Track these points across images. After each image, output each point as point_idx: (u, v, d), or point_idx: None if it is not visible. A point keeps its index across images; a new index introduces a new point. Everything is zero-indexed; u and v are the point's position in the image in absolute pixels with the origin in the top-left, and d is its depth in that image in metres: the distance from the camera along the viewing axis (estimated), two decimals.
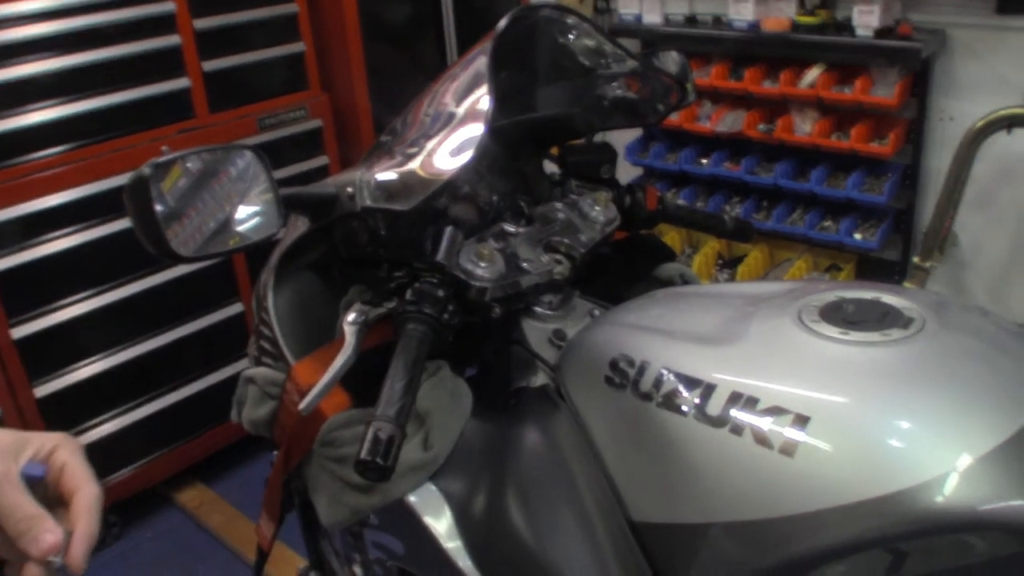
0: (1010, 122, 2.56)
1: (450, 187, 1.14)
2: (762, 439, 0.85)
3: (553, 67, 1.31)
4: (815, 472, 0.82)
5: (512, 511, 1.06)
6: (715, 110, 3.24)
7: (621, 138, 3.44)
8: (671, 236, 3.40)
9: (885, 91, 2.83)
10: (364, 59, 2.99)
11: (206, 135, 2.63)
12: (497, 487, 1.08)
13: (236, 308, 2.85)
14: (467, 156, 1.10)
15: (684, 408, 0.92)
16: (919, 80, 2.86)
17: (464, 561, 1.06)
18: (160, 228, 0.97)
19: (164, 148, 1.07)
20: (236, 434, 2.85)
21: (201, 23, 2.58)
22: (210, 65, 2.62)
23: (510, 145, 1.27)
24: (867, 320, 0.92)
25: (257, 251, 1.13)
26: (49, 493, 0.72)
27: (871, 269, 3.18)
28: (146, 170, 0.96)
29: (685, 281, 1.40)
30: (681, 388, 0.94)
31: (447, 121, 1.17)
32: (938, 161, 2.92)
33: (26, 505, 0.68)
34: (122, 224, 2.48)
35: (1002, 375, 0.86)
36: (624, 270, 1.41)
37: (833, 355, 0.89)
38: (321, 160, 2.98)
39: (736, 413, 0.88)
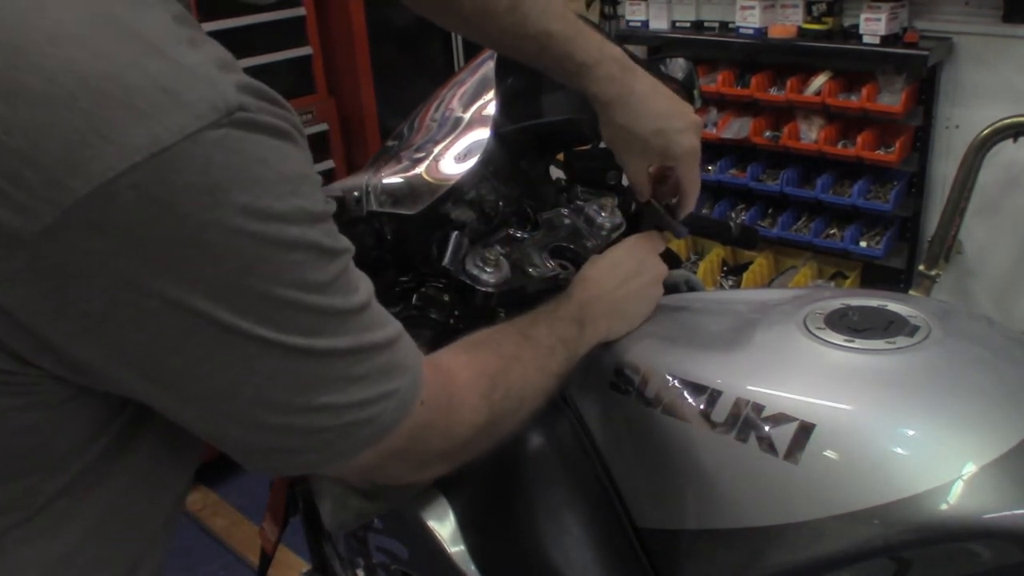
0: (1016, 130, 2.56)
1: (456, 192, 1.14)
2: (767, 446, 0.85)
3: None
4: (820, 479, 0.82)
5: (516, 516, 1.06)
6: (721, 117, 3.24)
7: None
8: (676, 243, 3.39)
9: (891, 99, 2.83)
10: (371, 63, 3.00)
11: None
12: (501, 492, 1.08)
13: None
14: (473, 161, 1.10)
15: (689, 414, 0.92)
16: (925, 88, 2.85)
17: (468, 566, 1.06)
18: None
19: None
20: None
21: (208, 26, 2.58)
22: None
23: (516, 151, 1.27)
24: (873, 328, 0.92)
25: None
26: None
27: (876, 277, 3.17)
28: None
29: (690, 288, 1.40)
30: (686, 394, 0.94)
31: (453, 126, 1.17)
32: (944, 169, 2.92)
33: None
34: None
35: (1007, 383, 0.86)
36: None
37: (838, 362, 0.89)
38: (327, 164, 2.99)
39: (741, 420, 0.88)
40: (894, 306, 0.95)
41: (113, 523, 0.71)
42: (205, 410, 0.65)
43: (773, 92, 3.06)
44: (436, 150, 1.15)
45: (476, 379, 0.85)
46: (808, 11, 2.93)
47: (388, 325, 0.72)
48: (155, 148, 0.54)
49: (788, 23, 2.96)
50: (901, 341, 0.89)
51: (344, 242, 0.67)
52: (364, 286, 0.69)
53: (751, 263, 3.31)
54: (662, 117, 1.06)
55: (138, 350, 0.60)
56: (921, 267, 2.85)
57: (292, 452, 0.69)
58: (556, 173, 1.40)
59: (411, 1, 1.07)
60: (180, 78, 0.56)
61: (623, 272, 1.07)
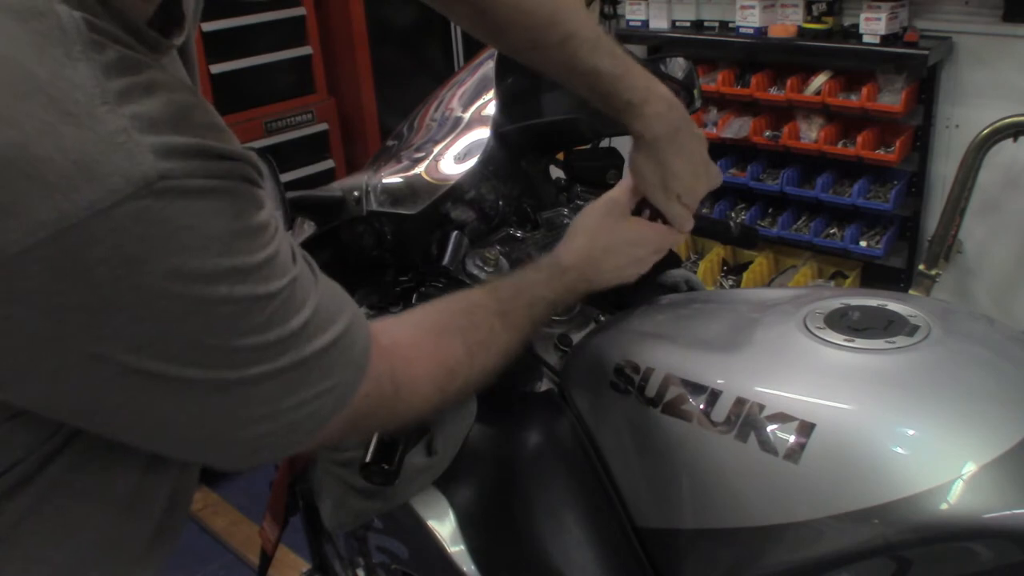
0: (1016, 130, 2.56)
1: (456, 192, 1.15)
2: (767, 445, 0.85)
3: None
4: (820, 479, 0.82)
5: (516, 516, 1.06)
6: (721, 116, 3.24)
7: (627, 144, 3.44)
8: None
9: (891, 98, 2.83)
10: (371, 63, 3.00)
11: None
12: (501, 492, 1.08)
13: None
14: (473, 161, 1.10)
15: (689, 414, 0.92)
16: (925, 87, 2.85)
17: (468, 565, 1.06)
18: None
19: None
20: None
21: (209, 25, 2.59)
22: (217, 68, 2.63)
23: (516, 150, 1.27)
24: (873, 327, 0.91)
25: None
26: None
27: (876, 276, 3.17)
28: None
29: (690, 287, 1.40)
30: (686, 394, 0.94)
31: (453, 126, 1.17)
32: (944, 168, 2.92)
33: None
34: None
35: (1007, 383, 0.86)
36: None
37: (838, 362, 0.89)
38: (327, 164, 2.99)
39: (741, 419, 0.88)
40: (894, 306, 0.95)
41: (72, 535, 0.70)
42: (140, 438, 0.65)
43: (773, 92, 3.06)
44: (436, 150, 1.16)
45: (435, 370, 0.83)
46: (808, 11, 2.93)
47: (335, 323, 0.68)
48: (62, 224, 0.52)
49: (788, 23, 2.96)
50: (901, 341, 0.89)
51: (285, 275, 0.63)
52: (313, 295, 0.66)
53: (751, 263, 3.31)
54: (702, 161, 1.07)
55: (68, 396, 0.59)
56: (921, 267, 2.85)
57: (230, 456, 0.70)
58: (556, 173, 1.40)
59: (466, 24, 1.05)
60: (93, 148, 0.52)
61: (611, 224, 1.08)
